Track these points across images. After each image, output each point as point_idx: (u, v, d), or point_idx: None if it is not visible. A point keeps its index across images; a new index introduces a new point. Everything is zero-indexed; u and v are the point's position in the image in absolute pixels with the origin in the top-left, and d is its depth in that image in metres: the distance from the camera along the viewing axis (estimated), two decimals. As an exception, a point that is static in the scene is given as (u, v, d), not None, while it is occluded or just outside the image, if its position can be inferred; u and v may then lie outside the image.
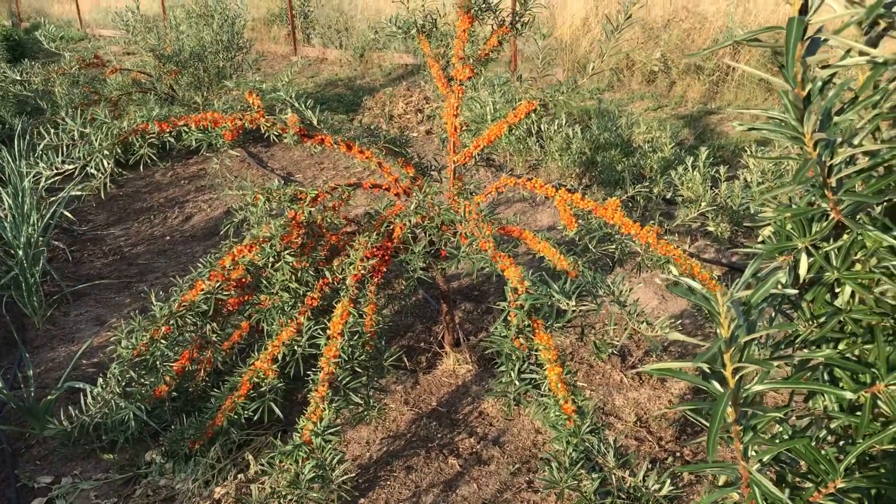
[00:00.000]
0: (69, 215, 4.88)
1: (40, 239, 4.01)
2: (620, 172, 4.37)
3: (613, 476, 2.02)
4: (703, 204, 3.80)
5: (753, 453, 1.05)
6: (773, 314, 1.16)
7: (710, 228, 3.77)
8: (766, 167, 3.71)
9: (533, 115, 2.80)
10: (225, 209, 5.31)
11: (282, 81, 6.16)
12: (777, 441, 1.07)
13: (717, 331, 0.96)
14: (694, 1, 7.49)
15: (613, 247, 2.58)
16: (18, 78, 6.32)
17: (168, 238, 4.93)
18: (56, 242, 4.67)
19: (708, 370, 1.03)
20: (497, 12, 2.85)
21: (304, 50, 10.87)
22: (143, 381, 2.58)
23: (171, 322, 2.50)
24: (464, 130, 2.96)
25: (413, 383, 3.10)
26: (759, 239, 1.22)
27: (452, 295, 3.76)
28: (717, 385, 1.01)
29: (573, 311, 1.99)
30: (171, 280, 4.24)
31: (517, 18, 2.90)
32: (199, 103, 5.57)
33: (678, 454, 2.59)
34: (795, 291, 1.10)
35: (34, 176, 4.02)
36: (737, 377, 0.98)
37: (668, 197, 4.42)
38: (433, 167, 3.17)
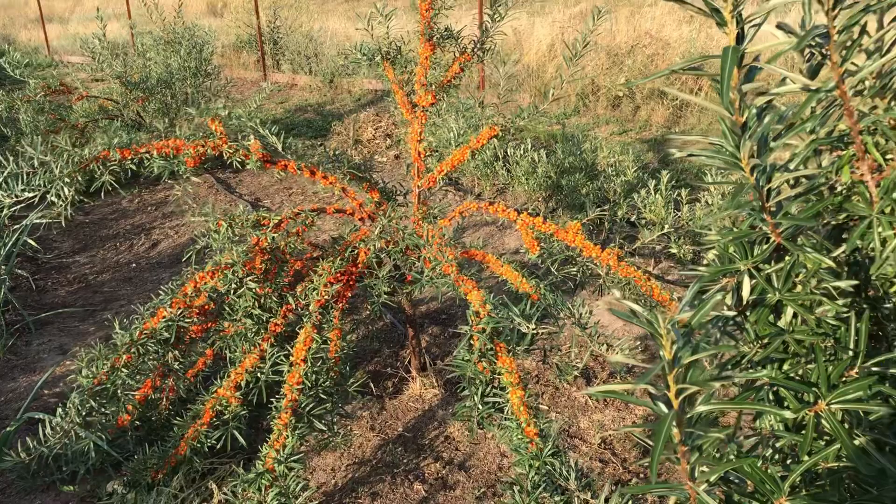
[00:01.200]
0: (33, 243, 4.82)
1: (2, 267, 3.96)
2: (585, 196, 4.41)
3: (576, 499, 2.03)
4: (665, 226, 3.85)
5: (700, 473, 1.07)
6: (718, 335, 1.18)
7: (674, 250, 3.83)
8: (727, 190, 3.76)
9: (496, 140, 2.83)
10: (192, 236, 5.27)
11: (250, 107, 6.16)
12: (723, 461, 1.09)
13: (661, 353, 0.98)
14: (657, 27, 7.63)
15: (576, 270, 2.61)
16: (-19, 105, 6.26)
17: (134, 265, 4.89)
18: (19, 271, 4.60)
19: (655, 392, 1.05)
20: (459, 40, 2.89)
21: (273, 76, 10.89)
22: (104, 410, 2.54)
23: (133, 350, 2.48)
24: (428, 155, 2.98)
25: (379, 409, 3.09)
26: (705, 261, 1.25)
27: (419, 319, 3.76)
28: (662, 406, 1.03)
29: (535, 334, 2.01)
30: (137, 308, 4.21)
31: (479, 46, 2.93)
32: (160, 130, 5.56)
33: (642, 475, 2.60)
34: (735, 313, 1.13)
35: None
36: (681, 398, 0.99)
37: (631, 220, 4.47)
38: (399, 192, 3.19)
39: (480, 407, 2.23)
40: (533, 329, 2.00)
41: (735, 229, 1.14)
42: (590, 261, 2.62)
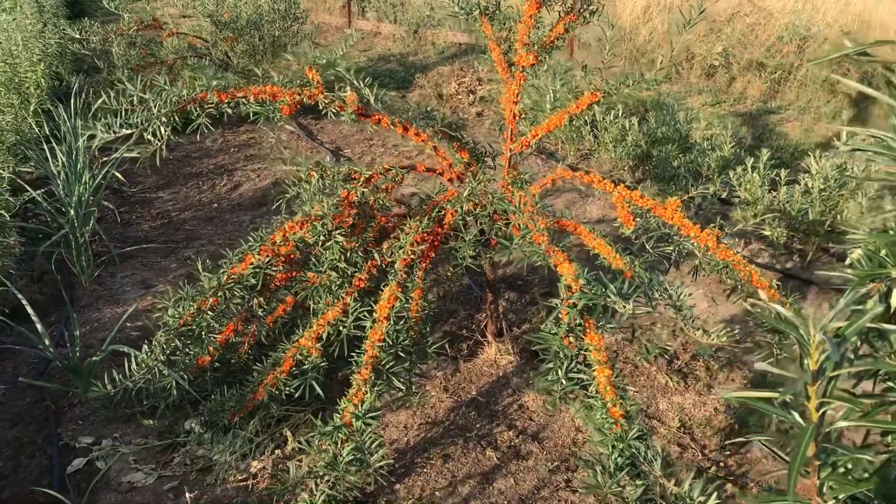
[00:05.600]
0: (120, 177, 4.92)
1: (91, 198, 4.05)
2: (677, 168, 4.26)
3: (658, 485, 1.97)
4: (761, 207, 3.70)
5: (829, 490, 1.00)
6: (858, 344, 1.10)
7: (766, 232, 3.67)
8: (830, 174, 3.58)
9: (595, 106, 2.73)
10: (273, 180, 5.31)
11: (336, 54, 6.12)
12: (853, 479, 1.02)
13: (805, 361, 0.91)
14: (760, -6, 7.28)
15: (671, 248, 2.51)
16: (77, 36, 6.37)
17: (216, 205, 4.95)
18: (105, 203, 4.69)
19: (788, 399, 0.98)
20: (565, -1, 2.78)
21: (357, 23, 10.82)
22: (187, 350, 2.58)
23: (219, 294, 2.50)
24: (521, 118, 2.90)
25: (453, 370, 3.07)
26: (848, 262, 1.16)
27: (496, 284, 3.72)
28: (797, 417, 0.96)
29: (630, 313, 1.94)
30: (218, 248, 4.26)
31: (585, 6, 2.82)
32: (257, 73, 5.56)
33: (722, 464, 2.53)
34: (895, 328, 1.04)
35: (89, 136, 4.06)
36: (821, 412, 0.93)
37: (722, 197, 4.32)
38: (486, 153, 3.12)
39: (564, 382, 2.18)
40: (629, 309, 1.93)
41: (891, 231, 1.05)
42: (686, 239, 2.52)
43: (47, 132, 4.86)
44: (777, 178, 3.82)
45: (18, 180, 4.29)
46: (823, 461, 0.97)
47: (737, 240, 4.03)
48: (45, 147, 4.36)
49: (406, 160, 5.57)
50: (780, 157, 5.05)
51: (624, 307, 1.94)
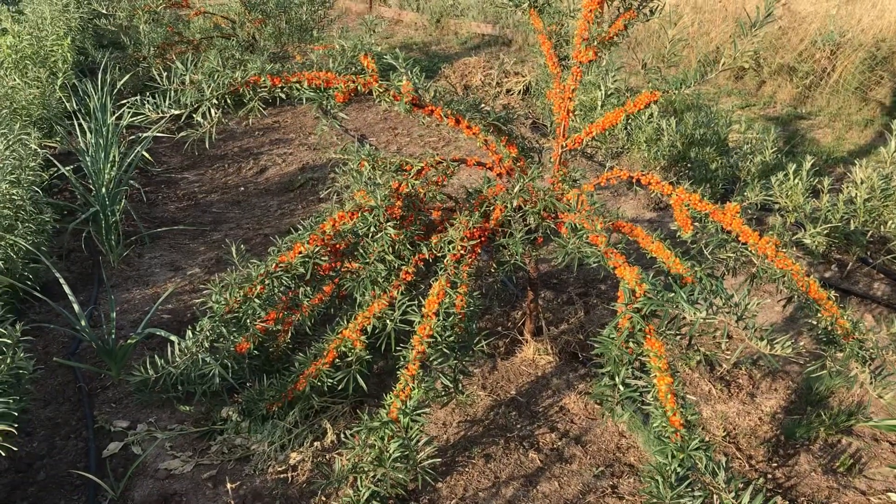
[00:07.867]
0: (147, 156, 4.87)
1: (122, 177, 4.00)
2: (714, 171, 4.20)
3: (717, 497, 1.93)
4: (801, 215, 3.64)
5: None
6: None
7: (807, 241, 3.62)
8: (876, 184, 3.52)
9: (654, 105, 2.68)
10: (300, 165, 5.25)
11: (364, 41, 6.07)
12: None
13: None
14: (792, -1, 7.20)
15: (731, 255, 2.46)
16: (104, 11, 6.30)
17: (242, 189, 4.90)
18: (132, 182, 4.64)
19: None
20: (626, -5, 2.72)
21: (379, 9, 10.75)
22: (232, 338, 2.53)
23: (267, 282, 2.45)
24: (575, 114, 2.84)
25: (491, 368, 3.02)
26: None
27: (536, 282, 3.66)
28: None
29: (701, 320, 1.89)
30: (247, 232, 4.21)
31: (645, 3, 2.76)
32: (286, 54, 5.48)
33: (770, 476, 2.48)
34: None
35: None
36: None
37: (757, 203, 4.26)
38: (533, 149, 3.06)
39: (622, 388, 2.13)
40: (701, 317, 1.88)
41: None
42: (744, 247, 2.47)
43: (74, 107, 4.81)
44: (819, 186, 3.76)
45: (48, 155, 4.24)
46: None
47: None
48: (74, 123, 4.31)
49: (431, 150, 5.50)
50: (814, 165, 4.99)
51: (696, 315, 1.89)
